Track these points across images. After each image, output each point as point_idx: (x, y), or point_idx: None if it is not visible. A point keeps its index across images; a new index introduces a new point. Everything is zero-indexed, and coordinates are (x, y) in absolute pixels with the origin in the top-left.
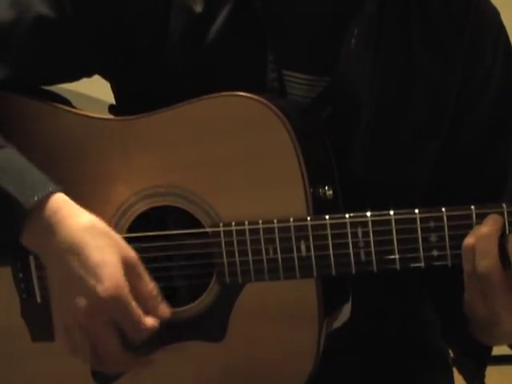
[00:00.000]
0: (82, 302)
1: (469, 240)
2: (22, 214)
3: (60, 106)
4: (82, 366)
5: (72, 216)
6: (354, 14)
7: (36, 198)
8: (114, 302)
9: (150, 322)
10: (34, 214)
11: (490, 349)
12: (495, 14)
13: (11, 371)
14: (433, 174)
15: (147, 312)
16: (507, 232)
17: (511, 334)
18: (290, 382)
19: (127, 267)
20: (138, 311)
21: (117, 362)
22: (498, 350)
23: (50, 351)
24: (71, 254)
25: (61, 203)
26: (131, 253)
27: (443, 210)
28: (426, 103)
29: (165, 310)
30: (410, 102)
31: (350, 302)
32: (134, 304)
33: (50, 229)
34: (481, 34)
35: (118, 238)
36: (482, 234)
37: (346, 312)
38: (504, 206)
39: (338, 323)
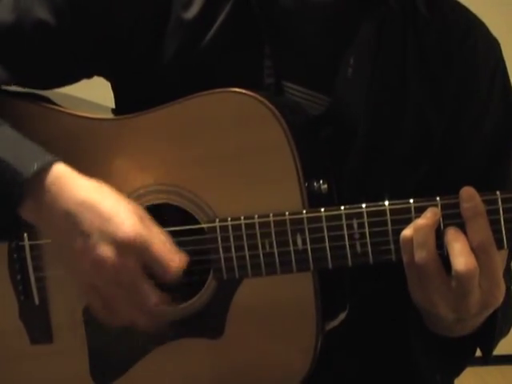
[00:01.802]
0: (106, 251)
1: (406, 232)
2: (21, 182)
3: (55, 107)
4: (81, 367)
5: (76, 180)
6: (351, 36)
7: (36, 167)
8: (139, 241)
9: (179, 258)
10: (35, 182)
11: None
12: (494, 48)
13: (11, 373)
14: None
15: None
16: (441, 225)
17: (451, 326)
18: (288, 380)
19: (139, 218)
20: (165, 249)
21: (154, 312)
22: (498, 350)
23: (49, 352)
24: (82, 209)
25: (62, 171)
26: (139, 207)
27: (437, 199)
28: (415, 133)
29: (182, 257)
30: (400, 132)
31: (346, 311)
32: (158, 243)
33: (53, 195)
34: (475, 70)
35: (125, 198)
36: (419, 226)
37: (341, 316)
38: (437, 199)
39: (334, 323)
